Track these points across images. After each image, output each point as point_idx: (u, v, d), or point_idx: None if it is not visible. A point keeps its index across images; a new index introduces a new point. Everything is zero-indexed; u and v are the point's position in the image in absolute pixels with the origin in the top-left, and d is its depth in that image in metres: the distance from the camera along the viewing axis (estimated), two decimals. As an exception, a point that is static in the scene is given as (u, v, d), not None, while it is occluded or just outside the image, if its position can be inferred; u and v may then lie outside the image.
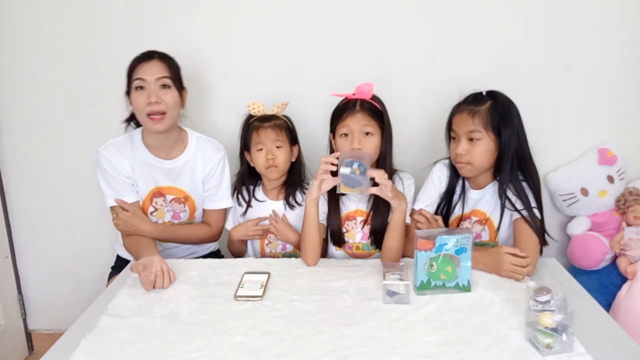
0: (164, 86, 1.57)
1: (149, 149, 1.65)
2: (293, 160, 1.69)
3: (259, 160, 1.63)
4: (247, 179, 1.72)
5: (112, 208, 1.65)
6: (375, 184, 1.42)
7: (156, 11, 1.89)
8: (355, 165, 1.35)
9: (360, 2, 1.85)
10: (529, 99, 1.77)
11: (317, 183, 1.46)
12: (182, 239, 1.72)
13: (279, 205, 1.69)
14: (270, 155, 1.61)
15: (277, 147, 1.62)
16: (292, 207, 1.68)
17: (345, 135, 1.52)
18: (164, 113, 1.56)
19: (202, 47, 1.89)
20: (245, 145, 1.67)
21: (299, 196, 1.69)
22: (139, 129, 1.68)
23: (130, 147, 1.65)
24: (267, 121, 1.62)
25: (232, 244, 1.74)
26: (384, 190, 1.41)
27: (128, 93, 1.60)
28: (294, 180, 1.70)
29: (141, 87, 1.55)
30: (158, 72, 1.56)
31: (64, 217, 2.12)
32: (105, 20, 1.90)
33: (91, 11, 1.89)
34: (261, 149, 1.62)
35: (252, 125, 1.64)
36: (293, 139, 1.68)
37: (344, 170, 1.37)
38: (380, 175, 1.39)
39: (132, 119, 1.68)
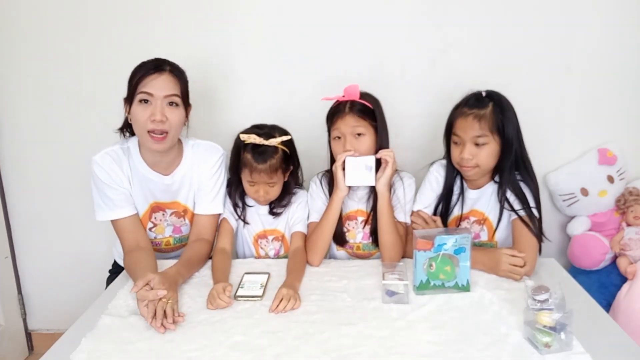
0: (172, 104, 1.44)
1: (147, 163, 1.53)
2: (285, 179, 1.60)
3: (250, 192, 1.56)
4: (238, 187, 1.62)
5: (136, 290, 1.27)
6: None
7: (156, 13, 1.89)
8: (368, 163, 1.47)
9: (361, 3, 1.85)
10: (529, 99, 1.78)
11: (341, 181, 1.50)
12: (197, 267, 1.52)
13: (265, 210, 1.64)
14: (262, 192, 1.54)
15: (270, 186, 1.54)
16: (275, 214, 1.63)
17: (339, 138, 1.52)
18: (166, 133, 1.43)
19: (203, 47, 1.89)
20: (237, 168, 1.56)
21: (285, 203, 1.63)
22: (135, 139, 1.53)
23: (127, 159, 1.52)
24: (262, 160, 1.48)
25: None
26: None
27: (128, 101, 1.44)
28: (281, 195, 1.61)
29: (146, 101, 1.41)
30: (168, 88, 1.42)
31: (64, 217, 2.12)
32: (105, 21, 1.90)
33: (92, 12, 1.89)
34: (253, 185, 1.54)
35: (245, 158, 1.51)
36: (287, 167, 1.58)
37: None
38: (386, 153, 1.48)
39: (127, 127, 1.56)
